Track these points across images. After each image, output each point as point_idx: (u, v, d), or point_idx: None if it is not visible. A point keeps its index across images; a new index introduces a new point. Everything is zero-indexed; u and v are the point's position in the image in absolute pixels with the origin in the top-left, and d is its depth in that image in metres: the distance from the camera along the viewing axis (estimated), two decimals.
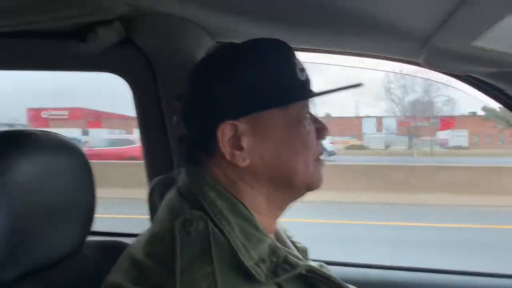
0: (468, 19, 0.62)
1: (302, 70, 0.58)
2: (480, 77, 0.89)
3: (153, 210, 0.95)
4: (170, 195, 0.57)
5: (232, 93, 0.54)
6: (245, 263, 0.48)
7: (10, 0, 0.77)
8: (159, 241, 0.50)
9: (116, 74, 0.95)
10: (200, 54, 0.90)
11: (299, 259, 0.54)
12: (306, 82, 0.59)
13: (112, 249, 0.71)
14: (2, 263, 0.53)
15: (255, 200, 0.56)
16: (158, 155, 0.98)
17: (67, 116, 18.56)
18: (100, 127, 17.66)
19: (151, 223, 0.61)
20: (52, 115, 18.54)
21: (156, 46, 0.89)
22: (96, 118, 18.66)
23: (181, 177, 0.58)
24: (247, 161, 0.54)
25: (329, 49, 0.93)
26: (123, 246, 0.73)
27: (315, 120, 0.60)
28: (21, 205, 0.55)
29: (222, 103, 0.55)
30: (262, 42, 0.58)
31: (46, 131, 0.66)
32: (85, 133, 15.01)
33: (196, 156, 0.58)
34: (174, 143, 0.96)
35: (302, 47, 0.91)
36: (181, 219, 0.50)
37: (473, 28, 0.64)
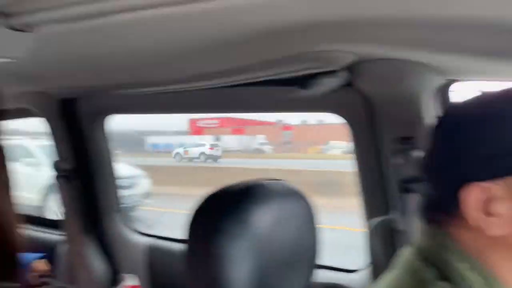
0: None
1: None
2: None
3: (372, 252, 0.96)
4: (407, 255, 0.54)
5: (484, 153, 0.48)
6: None
7: (248, 60, 0.89)
8: None
9: (336, 114, 0.99)
10: (426, 93, 0.87)
11: None
12: None
13: None
14: None
15: (509, 274, 0.49)
16: (374, 196, 0.98)
17: (217, 125, 20.86)
18: (243, 133, 19.29)
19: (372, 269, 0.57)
20: (206, 124, 21.13)
21: (378, 89, 0.90)
22: (239, 126, 20.43)
23: (420, 237, 0.55)
24: (501, 230, 0.47)
25: None
26: None
27: None
28: (262, 257, 0.59)
29: (470, 164, 0.49)
30: None
31: (277, 180, 0.71)
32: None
33: (434, 214, 0.54)
34: (391, 184, 0.94)
35: None
36: None
37: None
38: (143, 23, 0.59)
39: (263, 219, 0.61)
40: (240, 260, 0.56)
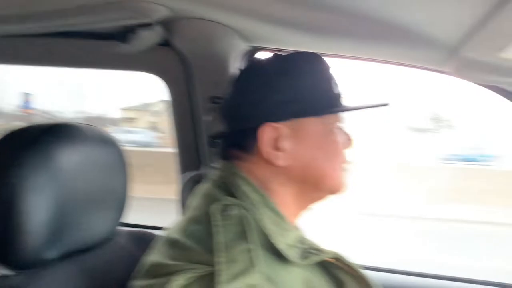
0: (496, 29, 0.64)
1: (336, 84, 0.63)
2: (507, 88, 0.89)
3: (183, 203, 1.00)
4: (205, 186, 0.61)
5: (276, 99, 0.59)
6: (277, 245, 0.53)
7: (59, 4, 0.83)
8: (198, 223, 0.54)
9: (154, 74, 1.00)
10: (234, 58, 0.94)
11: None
12: (339, 95, 0.63)
13: (141, 238, 0.76)
14: (47, 244, 0.58)
15: (284, 198, 0.60)
16: (188, 152, 1.02)
17: None
18: None
19: (184, 212, 0.64)
20: None
21: (193, 49, 0.94)
22: None
23: (215, 171, 0.63)
24: (285, 162, 0.59)
25: (356, 56, 0.96)
26: (152, 236, 0.77)
27: (344, 132, 0.65)
28: (64, 192, 0.59)
29: (266, 107, 0.59)
30: (303, 55, 0.63)
31: (88, 124, 0.71)
32: None
33: (231, 153, 0.62)
34: (204, 141, 1.00)
35: (331, 53, 0.94)
36: (218, 205, 0.54)
37: (501, 39, 0.65)
38: None
39: (68, 156, 0.60)
40: (39, 189, 0.56)
